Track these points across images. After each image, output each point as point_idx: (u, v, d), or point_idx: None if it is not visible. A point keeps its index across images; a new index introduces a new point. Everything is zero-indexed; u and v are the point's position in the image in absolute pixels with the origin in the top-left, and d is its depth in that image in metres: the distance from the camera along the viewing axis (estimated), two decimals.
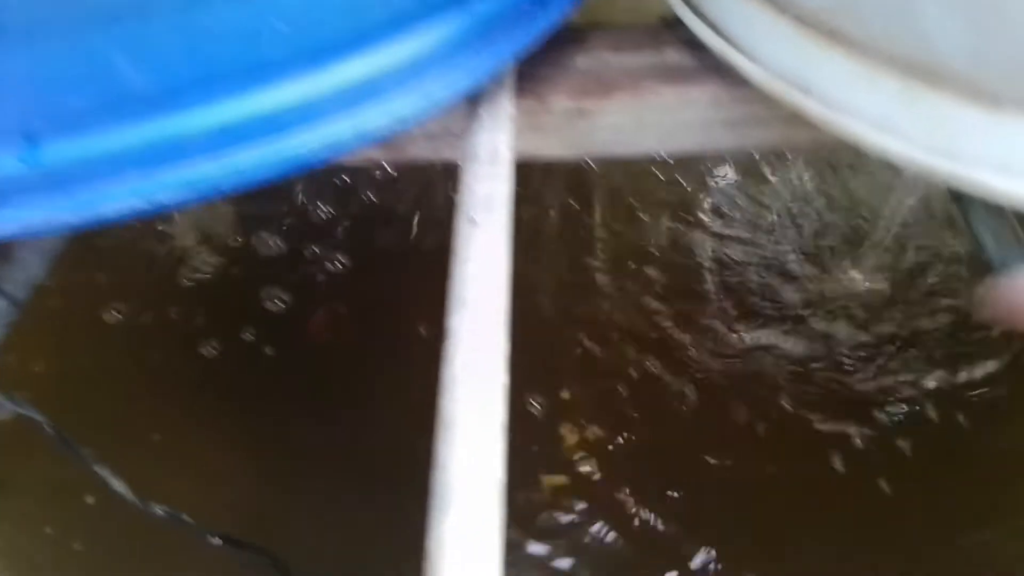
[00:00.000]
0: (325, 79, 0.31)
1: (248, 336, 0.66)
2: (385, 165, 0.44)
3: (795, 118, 0.40)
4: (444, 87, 0.34)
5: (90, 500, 0.55)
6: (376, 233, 0.76)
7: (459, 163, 0.39)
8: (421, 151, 0.43)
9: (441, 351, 0.28)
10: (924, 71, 0.32)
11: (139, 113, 0.28)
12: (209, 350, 0.65)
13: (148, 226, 0.75)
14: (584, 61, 0.41)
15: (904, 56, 0.33)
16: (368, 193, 0.78)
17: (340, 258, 0.72)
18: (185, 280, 0.71)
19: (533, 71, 0.41)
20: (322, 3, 0.29)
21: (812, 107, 0.35)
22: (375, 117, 0.32)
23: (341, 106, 0.32)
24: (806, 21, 0.36)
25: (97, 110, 0.28)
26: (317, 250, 0.72)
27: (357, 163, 0.44)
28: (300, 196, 0.77)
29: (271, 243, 0.73)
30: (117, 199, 0.29)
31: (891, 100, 0.34)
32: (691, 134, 0.41)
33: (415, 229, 0.76)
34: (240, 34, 0.28)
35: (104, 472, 0.42)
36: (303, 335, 0.67)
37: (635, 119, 0.40)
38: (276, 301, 0.68)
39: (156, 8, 0.27)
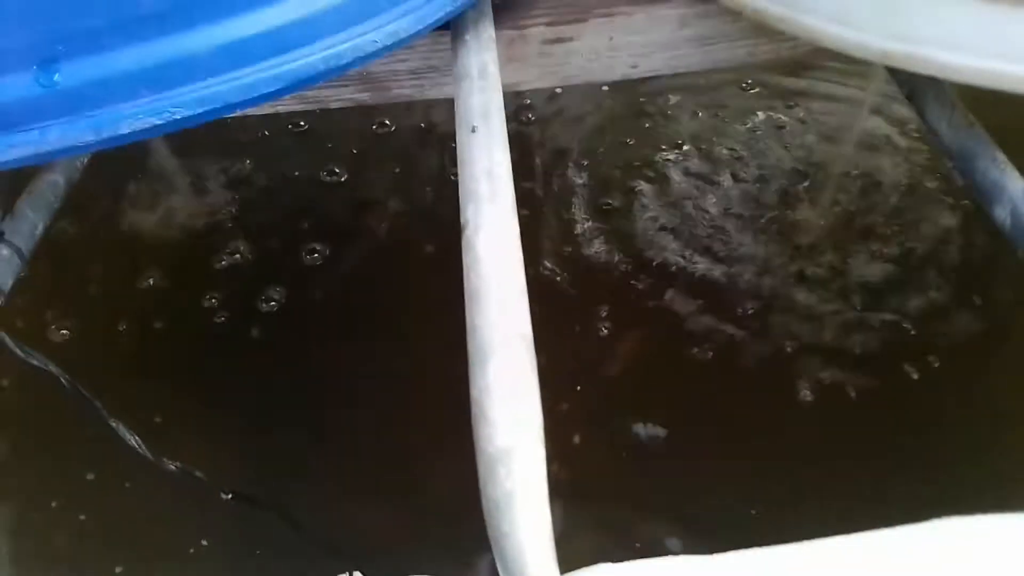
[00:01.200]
0: None
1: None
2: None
3: (758, 31, 0.43)
4: (434, 8, 0.35)
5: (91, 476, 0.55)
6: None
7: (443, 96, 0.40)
8: (405, 90, 0.45)
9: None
10: None
11: (152, 32, 0.30)
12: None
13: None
14: None
15: None
16: None
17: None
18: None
19: (508, 1, 0.43)
20: None
21: (772, 10, 0.38)
22: (372, 35, 0.34)
23: (339, 25, 0.33)
24: None
25: (112, 30, 0.29)
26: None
27: (345, 104, 0.45)
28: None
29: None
30: (134, 117, 0.30)
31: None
32: (662, 55, 0.43)
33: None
34: None
35: (119, 426, 0.43)
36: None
37: (608, 43, 0.43)
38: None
39: None
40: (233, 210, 0.76)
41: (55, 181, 0.42)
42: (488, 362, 0.25)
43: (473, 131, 0.34)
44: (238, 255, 0.71)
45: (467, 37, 0.39)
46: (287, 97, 0.38)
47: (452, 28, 0.39)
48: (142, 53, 0.30)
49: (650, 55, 0.43)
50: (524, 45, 0.43)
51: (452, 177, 0.71)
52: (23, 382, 0.53)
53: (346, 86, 0.45)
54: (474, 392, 0.25)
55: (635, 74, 0.44)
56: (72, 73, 0.29)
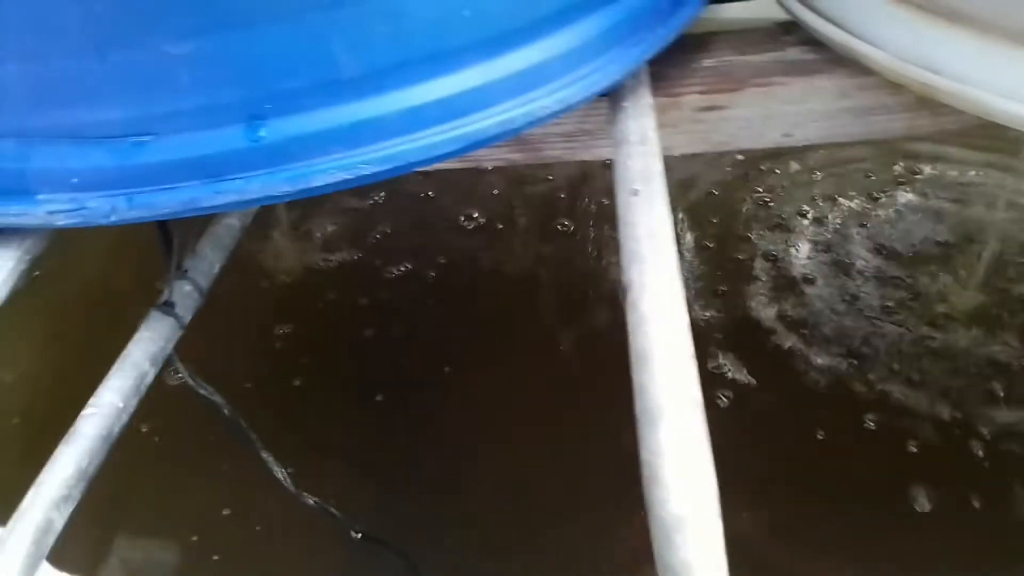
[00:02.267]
0: (500, 66, 0.34)
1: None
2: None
3: (919, 105, 0.43)
4: (601, 75, 0.37)
5: (226, 511, 0.58)
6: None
7: (597, 159, 0.42)
8: (556, 151, 0.47)
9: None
10: None
11: (347, 95, 0.32)
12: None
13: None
14: (710, 62, 0.45)
15: None
16: None
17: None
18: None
19: (662, 71, 0.44)
20: None
21: (942, 85, 0.37)
22: (544, 102, 0.35)
23: (514, 92, 0.35)
24: (926, 7, 0.38)
25: (313, 92, 0.32)
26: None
27: (498, 163, 0.47)
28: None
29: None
30: (325, 172, 0.32)
31: (1021, 71, 0.36)
32: (818, 124, 0.43)
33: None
34: (434, 21, 0.32)
35: (269, 458, 0.45)
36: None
37: (763, 112, 0.43)
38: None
39: None
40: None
41: (232, 224, 0.46)
42: (659, 425, 0.25)
43: (635, 194, 0.34)
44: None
45: (626, 104, 0.40)
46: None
47: (611, 95, 0.41)
48: (338, 114, 0.32)
49: (805, 124, 0.43)
50: (677, 111, 0.44)
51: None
52: (174, 416, 0.57)
53: (500, 146, 0.47)
54: (645, 455, 0.25)
55: (788, 142, 0.44)
56: (276, 129, 0.32)
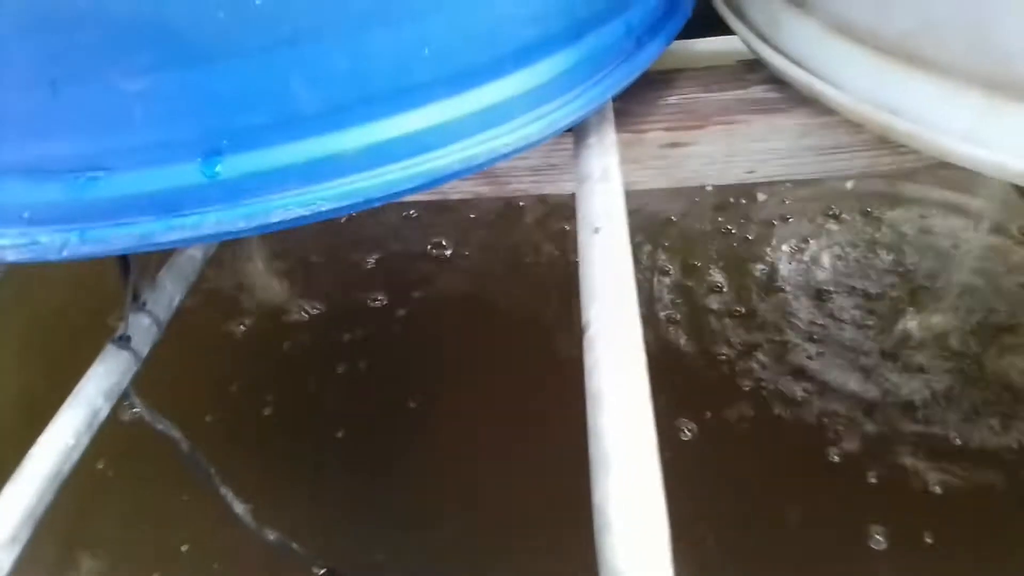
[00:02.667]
0: (461, 103, 0.34)
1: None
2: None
3: (878, 144, 0.43)
4: (563, 113, 0.37)
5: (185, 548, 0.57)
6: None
7: (558, 192, 0.42)
8: (523, 185, 0.47)
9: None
10: (1007, 86, 0.35)
11: (306, 131, 0.32)
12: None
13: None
14: (675, 98, 0.45)
15: (987, 73, 0.35)
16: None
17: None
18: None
19: (627, 107, 0.44)
20: (463, 34, 0.33)
21: (901, 126, 0.38)
22: (506, 139, 0.35)
23: (475, 129, 0.35)
24: (886, 49, 0.39)
25: (271, 127, 0.32)
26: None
27: (464, 196, 0.47)
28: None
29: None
30: (282, 208, 0.32)
31: (977, 114, 0.36)
32: (779, 161, 0.43)
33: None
34: (394, 59, 0.32)
35: (228, 494, 0.44)
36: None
37: (726, 149, 0.43)
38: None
39: (327, 33, 0.30)
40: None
41: (193, 256, 0.45)
42: (611, 471, 0.25)
43: (596, 232, 0.34)
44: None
45: (591, 140, 0.40)
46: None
47: (575, 131, 0.41)
48: (296, 150, 0.32)
49: (768, 162, 0.44)
50: (641, 148, 0.44)
51: None
52: (130, 450, 0.56)
53: (466, 179, 0.46)
54: (597, 500, 0.25)
55: (751, 179, 0.45)
56: (232, 165, 0.32)
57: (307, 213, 0.32)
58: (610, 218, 0.35)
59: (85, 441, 0.35)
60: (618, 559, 0.23)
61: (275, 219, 0.32)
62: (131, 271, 0.41)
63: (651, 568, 0.23)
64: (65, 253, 0.32)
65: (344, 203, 0.33)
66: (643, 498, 0.24)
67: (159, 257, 0.45)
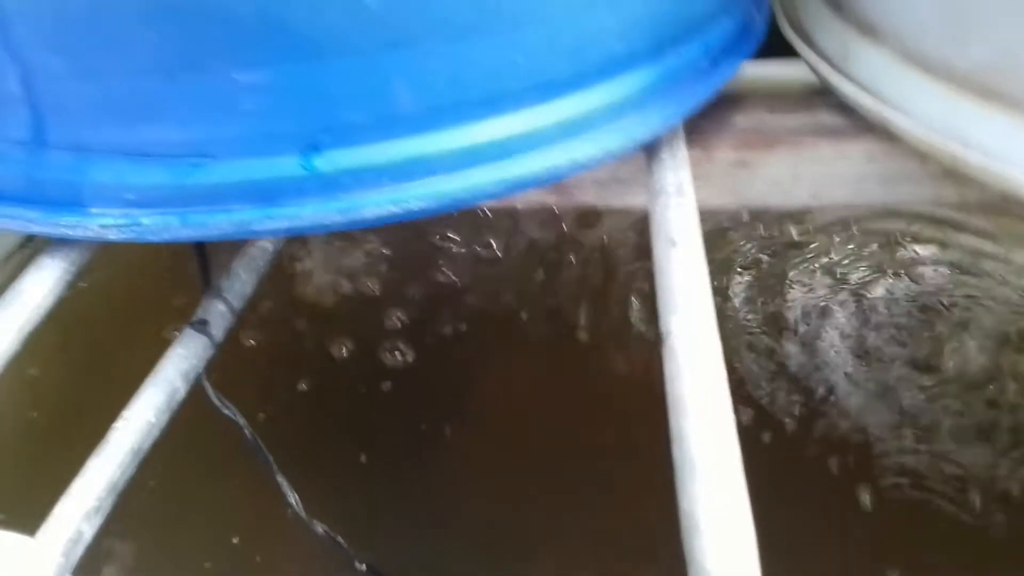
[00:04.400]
0: (548, 112, 0.35)
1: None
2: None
3: (945, 175, 0.44)
4: (642, 128, 0.38)
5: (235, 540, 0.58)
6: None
7: (627, 206, 0.43)
8: (588, 197, 0.48)
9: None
10: None
11: (402, 131, 0.33)
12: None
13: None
14: (743, 120, 0.46)
15: None
16: None
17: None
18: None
19: (697, 127, 0.45)
20: (555, 45, 0.34)
21: (971, 158, 0.39)
22: (588, 149, 0.36)
23: (560, 138, 0.36)
24: (959, 81, 0.40)
25: (370, 126, 0.33)
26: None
27: (530, 205, 0.48)
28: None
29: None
30: (376, 205, 0.33)
31: None
32: (845, 187, 0.44)
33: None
34: (490, 66, 0.33)
35: (284, 483, 0.45)
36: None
37: (792, 171, 0.44)
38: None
39: (431, 38, 0.32)
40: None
41: (265, 247, 0.46)
42: (697, 475, 0.26)
43: (673, 244, 0.35)
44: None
45: (664, 156, 0.41)
46: None
47: (648, 147, 0.42)
48: (391, 149, 0.33)
49: (832, 187, 0.44)
50: (709, 165, 0.45)
51: None
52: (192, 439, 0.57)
53: (536, 189, 0.48)
54: (684, 504, 0.26)
55: (815, 203, 0.45)
56: (330, 160, 0.33)
57: (399, 211, 0.34)
58: (686, 231, 0.36)
59: (164, 420, 0.36)
60: (708, 561, 0.24)
61: (368, 215, 0.33)
62: (207, 258, 0.42)
63: (740, 569, 0.23)
64: (165, 235, 0.33)
65: (433, 203, 0.34)
66: (729, 501, 0.25)
67: (230, 246, 0.47)
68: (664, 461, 0.28)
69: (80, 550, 0.30)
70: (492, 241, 0.84)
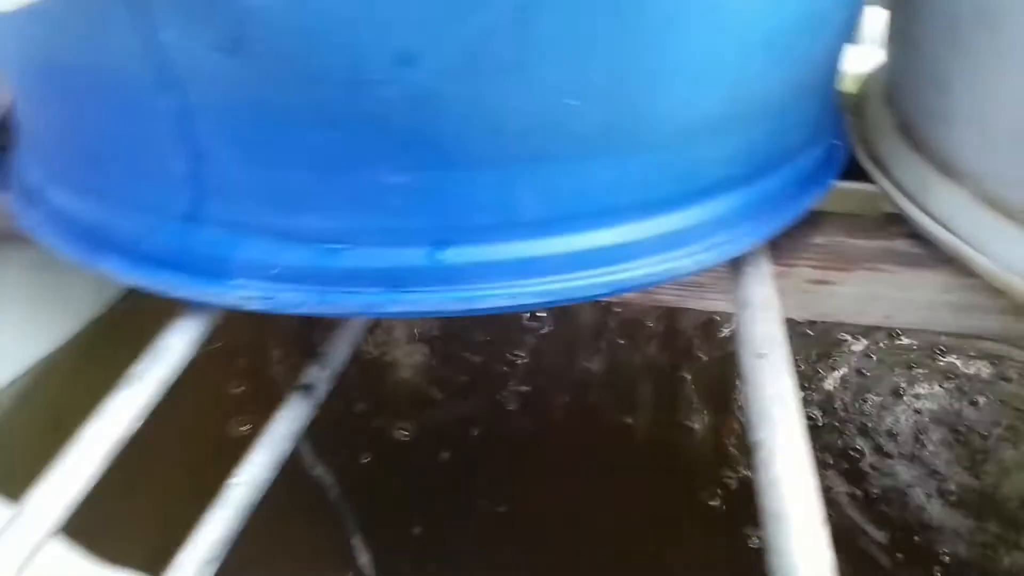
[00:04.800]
0: (653, 225, 0.39)
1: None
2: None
3: (1015, 310, 0.46)
4: (734, 245, 0.41)
5: None
6: None
7: (718, 311, 0.45)
8: (668, 296, 0.51)
9: None
10: None
11: (521, 234, 0.37)
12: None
13: None
14: (821, 239, 0.49)
15: None
16: None
17: None
18: None
19: (777, 243, 0.48)
20: (664, 169, 0.38)
21: None
22: (684, 262, 0.39)
23: (659, 249, 0.39)
24: None
25: (493, 228, 0.36)
26: None
27: (616, 300, 0.51)
28: None
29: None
30: (491, 297, 0.36)
31: None
32: (918, 312, 0.47)
33: None
34: (606, 183, 0.37)
35: (358, 544, 0.47)
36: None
37: (869, 292, 0.47)
38: None
39: (560, 156, 0.35)
40: None
41: (360, 323, 0.50)
42: None
43: (761, 357, 0.38)
44: None
45: (748, 269, 0.44)
46: None
47: (733, 260, 0.45)
48: (510, 249, 0.37)
49: (906, 310, 0.47)
50: (788, 280, 0.47)
51: None
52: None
53: None
54: None
55: (887, 323, 0.48)
56: (455, 255, 0.36)
57: (511, 304, 0.37)
58: (772, 344, 0.38)
59: (273, 476, 0.39)
60: None
61: (483, 306, 0.36)
62: (315, 329, 0.46)
63: None
64: (302, 310, 0.36)
65: (541, 300, 0.37)
66: None
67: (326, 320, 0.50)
68: None
69: None
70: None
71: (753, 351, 0.38)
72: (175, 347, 0.37)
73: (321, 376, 0.44)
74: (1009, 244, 0.43)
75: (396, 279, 0.36)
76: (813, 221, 0.50)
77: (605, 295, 0.38)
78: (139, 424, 0.35)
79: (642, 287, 0.39)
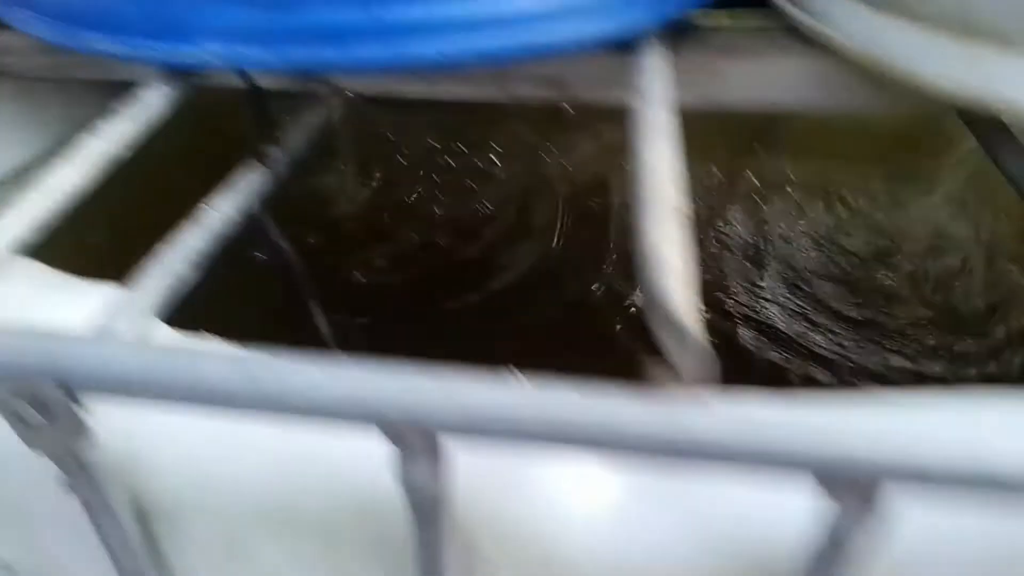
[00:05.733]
0: None
1: None
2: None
3: (873, 83, 0.54)
4: (633, 19, 0.48)
5: None
6: None
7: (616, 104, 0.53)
8: (584, 92, 0.58)
9: None
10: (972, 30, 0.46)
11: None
12: None
13: None
14: (712, 37, 0.56)
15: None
16: None
17: None
18: None
19: (671, 38, 0.55)
20: None
21: (892, 67, 0.49)
22: (587, 28, 0.46)
23: (567, 16, 0.46)
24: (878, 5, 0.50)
25: None
26: None
27: (533, 102, 0.58)
28: None
29: None
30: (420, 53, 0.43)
31: (949, 56, 0.47)
32: (792, 92, 0.55)
33: None
34: None
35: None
36: None
37: (754, 78, 0.55)
38: None
39: None
40: None
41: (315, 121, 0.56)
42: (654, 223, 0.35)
43: (647, 137, 0.45)
44: None
45: (643, 59, 0.51)
46: (494, 89, 0.52)
47: (634, 50, 0.52)
48: (438, 9, 0.43)
49: (787, 91, 0.55)
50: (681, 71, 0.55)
51: None
52: None
53: (535, 85, 0.57)
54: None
55: (772, 108, 0.56)
56: (388, 11, 0.43)
57: (438, 59, 0.43)
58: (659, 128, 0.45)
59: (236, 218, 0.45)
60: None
61: (413, 58, 0.43)
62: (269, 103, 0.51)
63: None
64: (262, 66, 0.43)
65: (471, 58, 0.44)
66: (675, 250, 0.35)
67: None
68: None
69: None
70: None
71: (642, 132, 0.45)
72: (150, 102, 0.43)
73: (280, 158, 0.50)
74: (864, 24, 0.51)
75: (339, 35, 0.43)
76: (709, 31, 0.58)
77: (522, 57, 0.45)
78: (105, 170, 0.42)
79: (551, 50, 0.46)
